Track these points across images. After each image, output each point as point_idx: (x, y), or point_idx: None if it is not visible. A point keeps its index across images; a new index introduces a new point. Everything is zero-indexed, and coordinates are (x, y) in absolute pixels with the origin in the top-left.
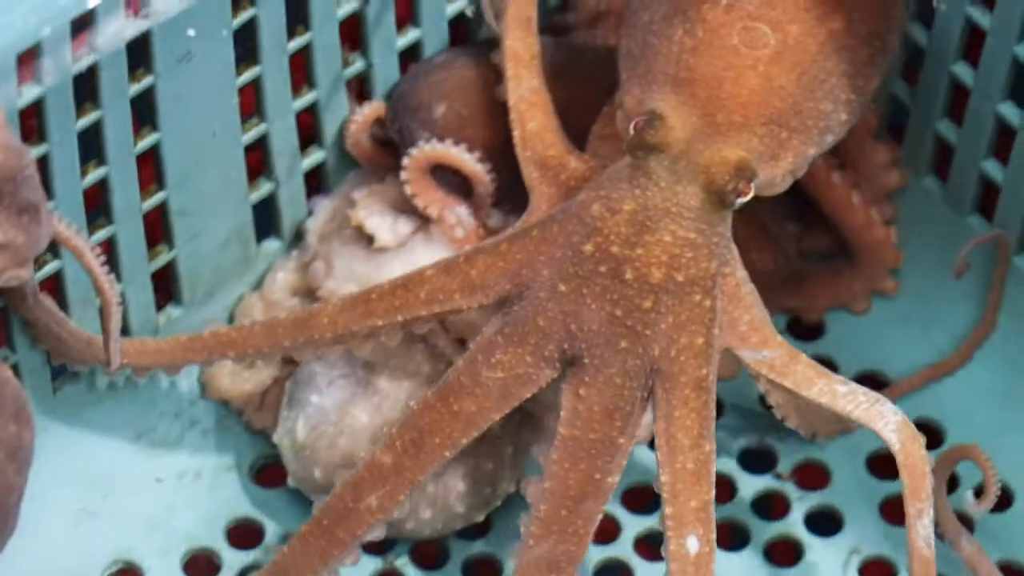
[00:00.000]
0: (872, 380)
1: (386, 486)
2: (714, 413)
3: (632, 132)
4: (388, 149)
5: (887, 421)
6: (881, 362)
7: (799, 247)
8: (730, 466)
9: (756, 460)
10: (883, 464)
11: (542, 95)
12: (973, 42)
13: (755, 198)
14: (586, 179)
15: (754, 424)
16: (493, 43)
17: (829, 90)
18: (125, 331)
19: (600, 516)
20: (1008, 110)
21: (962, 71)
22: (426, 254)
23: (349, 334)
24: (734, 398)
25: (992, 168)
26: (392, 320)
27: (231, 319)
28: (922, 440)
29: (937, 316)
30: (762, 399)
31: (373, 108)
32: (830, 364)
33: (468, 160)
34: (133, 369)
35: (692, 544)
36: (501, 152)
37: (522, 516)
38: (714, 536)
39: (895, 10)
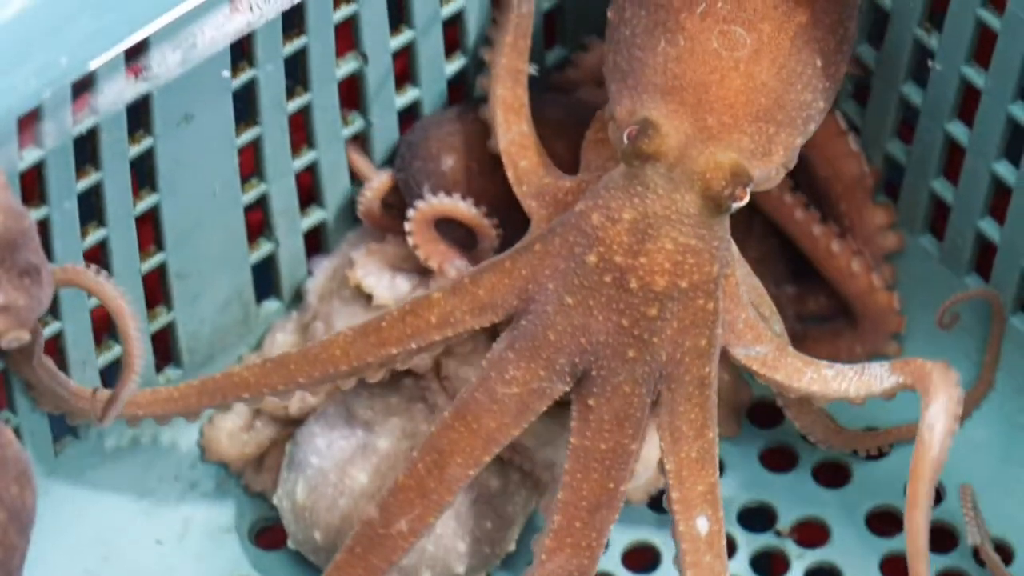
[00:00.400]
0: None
1: (415, 509)
2: (716, 404)
3: (626, 141)
4: (397, 213)
5: (880, 376)
6: (881, 421)
7: (798, 310)
8: (730, 524)
9: (755, 518)
10: (883, 520)
11: (532, 138)
12: (968, 101)
13: (754, 261)
14: (582, 192)
15: (753, 482)
16: None
17: (807, 80)
18: None
19: (611, 527)
20: (1003, 169)
21: (957, 130)
22: None
23: (364, 365)
24: (733, 456)
25: (988, 227)
26: (406, 347)
27: None
28: (918, 359)
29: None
30: (761, 457)
31: (385, 177)
32: None
33: (476, 215)
34: (155, 419)
35: (702, 524)
36: (507, 206)
37: (535, 537)
38: (723, 515)
39: None
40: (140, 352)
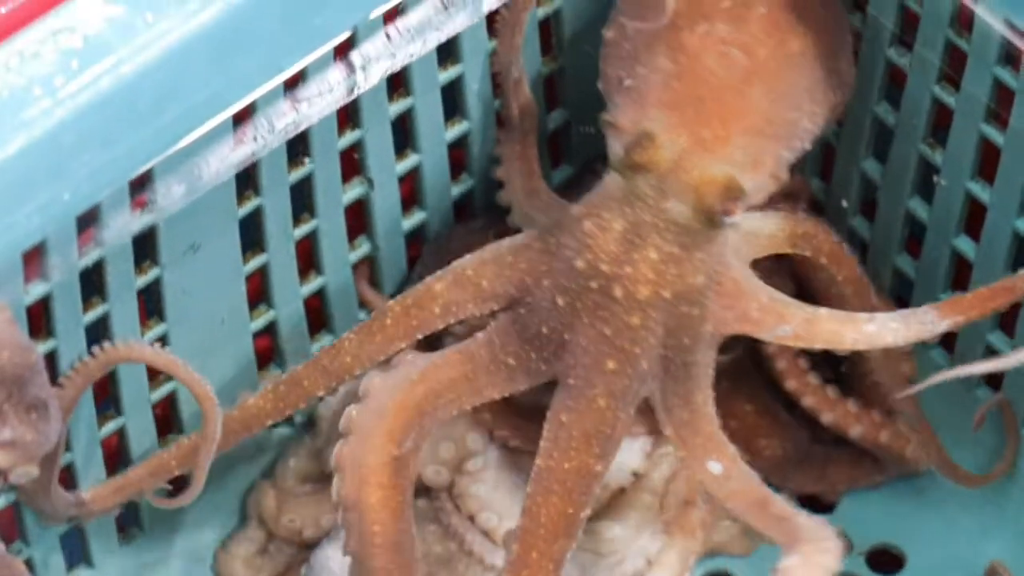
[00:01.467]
0: (887, 554)
1: (413, 430)
2: (706, 376)
3: (622, 153)
4: None
5: (925, 319)
6: (896, 536)
7: (814, 432)
8: None
9: None
10: None
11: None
12: (974, 215)
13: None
14: None
15: None
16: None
17: (794, 102)
18: (137, 518)
19: (568, 557)
20: None
21: (964, 244)
22: (440, 429)
23: (375, 363)
24: (748, 573)
25: (997, 340)
26: (411, 339)
27: (243, 506)
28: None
29: (950, 488)
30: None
31: None
32: (843, 538)
33: None
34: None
35: (714, 467)
36: None
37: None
38: (734, 453)
39: (844, 36)
40: (210, 398)
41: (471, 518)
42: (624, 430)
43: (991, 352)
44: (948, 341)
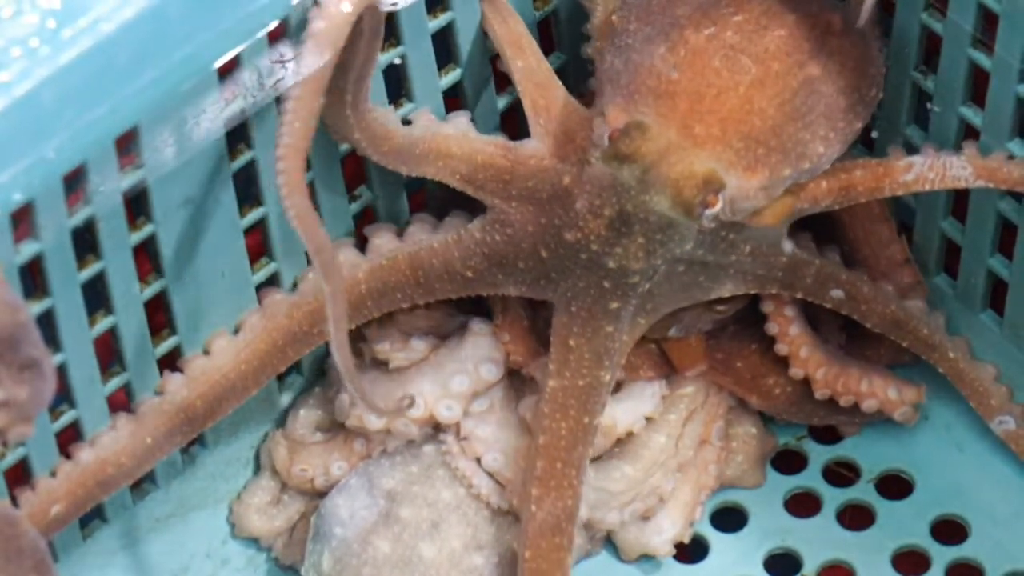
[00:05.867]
0: (896, 479)
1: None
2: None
3: (607, 142)
4: None
5: (963, 172)
6: (905, 462)
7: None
8: (756, 571)
9: (781, 565)
10: (908, 561)
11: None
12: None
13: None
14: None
15: (778, 529)
16: None
17: (809, 123)
18: (151, 473)
19: (587, 463)
20: None
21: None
22: (452, 363)
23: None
24: (758, 505)
25: (998, 263)
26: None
27: (256, 456)
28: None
29: (958, 413)
30: (785, 504)
31: None
32: (852, 467)
33: None
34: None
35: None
36: None
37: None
38: None
39: (872, 69)
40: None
41: (477, 460)
42: (633, 338)
43: (992, 276)
44: (951, 267)
